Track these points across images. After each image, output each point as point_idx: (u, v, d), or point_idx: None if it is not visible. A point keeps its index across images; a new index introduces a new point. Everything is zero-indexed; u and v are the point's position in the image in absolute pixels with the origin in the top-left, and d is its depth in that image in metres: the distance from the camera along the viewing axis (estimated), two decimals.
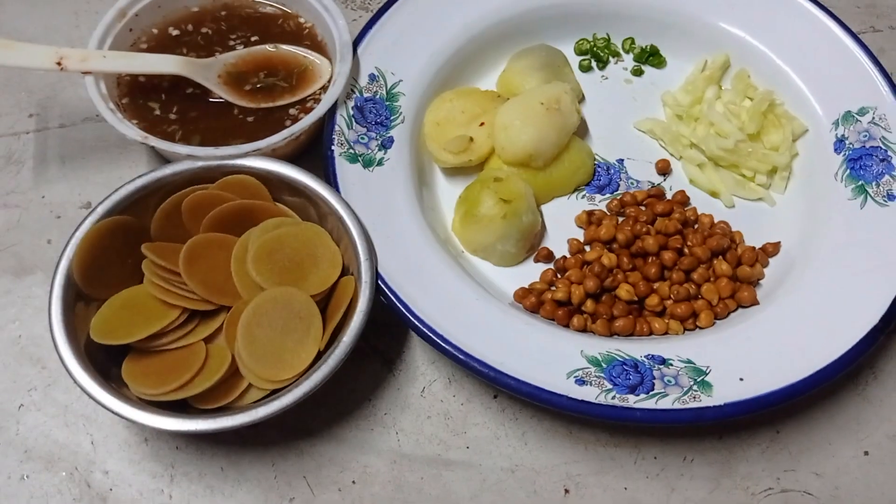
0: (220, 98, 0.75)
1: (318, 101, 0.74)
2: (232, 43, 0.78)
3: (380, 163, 0.73)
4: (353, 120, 0.74)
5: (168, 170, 0.67)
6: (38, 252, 0.74)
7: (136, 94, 0.74)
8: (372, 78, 0.76)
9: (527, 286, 0.72)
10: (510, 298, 0.72)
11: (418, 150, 0.77)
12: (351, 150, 0.73)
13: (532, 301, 0.70)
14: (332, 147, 0.72)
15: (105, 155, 0.79)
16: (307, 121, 0.70)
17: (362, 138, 0.74)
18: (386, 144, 0.74)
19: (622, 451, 0.67)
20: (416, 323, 0.64)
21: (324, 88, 0.76)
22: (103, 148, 0.79)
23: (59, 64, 0.69)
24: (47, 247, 0.74)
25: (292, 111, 0.75)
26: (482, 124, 0.76)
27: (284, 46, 0.78)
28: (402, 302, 0.65)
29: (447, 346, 0.63)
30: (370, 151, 0.73)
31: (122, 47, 0.75)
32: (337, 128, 0.73)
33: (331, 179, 0.71)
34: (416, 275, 0.67)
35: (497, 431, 0.67)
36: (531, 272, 0.74)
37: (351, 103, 0.75)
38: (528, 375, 0.63)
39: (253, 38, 0.78)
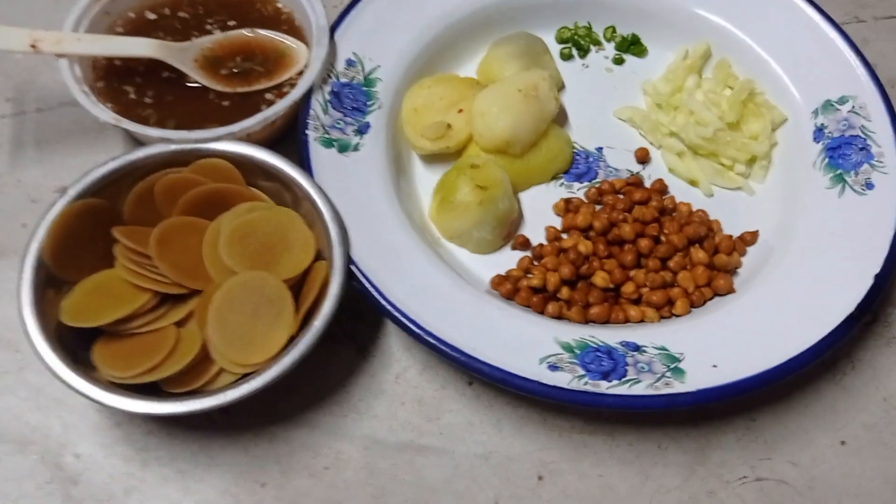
0: (197, 82, 0.74)
1: (294, 85, 0.74)
2: (209, 27, 0.78)
3: (356, 148, 0.73)
4: (329, 105, 0.74)
5: (141, 153, 0.67)
6: (12, 235, 0.74)
7: (112, 78, 0.74)
8: (349, 63, 0.76)
9: (503, 273, 0.72)
10: (487, 285, 0.72)
11: (395, 137, 0.76)
12: (326, 135, 0.72)
13: (508, 288, 0.70)
14: (307, 131, 0.72)
15: (81, 139, 0.79)
16: (282, 105, 0.70)
17: (338, 123, 0.74)
18: (362, 130, 0.74)
19: (596, 438, 0.67)
20: (388, 308, 0.64)
21: (300, 73, 0.75)
22: (79, 132, 0.79)
23: (33, 46, 0.69)
24: (22, 230, 0.74)
25: (268, 96, 0.75)
26: (460, 111, 0.76)
27: (262, 31, 0.78)
28: (375, 287, 0.65)
29: (419, 331, 0.63)
30: (346, 136, 0.73)
31: (98, 31, 0.74)
32: (312, 112, 0.73)
33: (304, 164, 0.70)
34: (391, 261, 0.67)
35: (471, 418, 0.67)
36: (508, 259, 0.74)
37: (327, 88, 0.75)
38: (501, 361, 0.62)
39: (230, 23, 0.78)
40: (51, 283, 0.63)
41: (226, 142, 0.68)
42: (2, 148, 0.78)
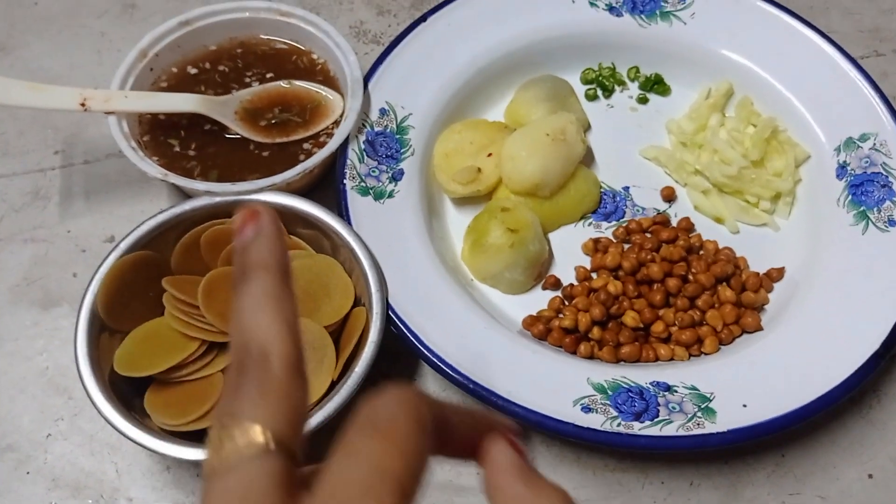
0: (237, 134, 0.77)
1: (330, 135, 0.77)
2: (248, 80, 0.81)
3: (390, 195, 0.75)
4: (364, 154, 0.77)
5: (187, 206, 0.70)
6: (64, 285, 0.77)
7: (157, 132, 0.77)
8: (382, 112, 0.79)
9: (535, 314, 0.74)
10: (519, 326, 0.74)
11: (428, 182, 0.79)
12: (363, 184, 0.75)
13: (540, 329, 0.72)
14: (345, 181, 0.75)
15: (127, 190, 0.82)
16: (321, 155, 0.73)
17: (373, 171, 0.76)
18: (396, 177, 0.76)
19: (629, 476, 0.68)
20: (427, 353, 0.66)
21: (336, 123, 0.78)
22: (126, 183, 0.82)
23: (82, 105, 0.72)
24: (73, 280, 0.77)
25: (306, 146, 0.77)
26: (490, 155, 0.78)
27: (298, 82, 0.80)
28: (413, 333, 0.67)
29: (457, 377, 0.65)
30: (381, 184, 0.76)
31: (143, 86, 0.78)
32: (349, 162, 0.76)
33: (343, 212, 0.73)
34: (426, 305, 0.69)
35: None
36: (539, 300, 0.76)
37: (362, 137, 0.77)
38: (536, 404, 0.64)
39: (268, 75, 0.81)
40: (103, 332, 0.65)
41: (267, 193, 0.70)
42: (52, 199, 0.81)
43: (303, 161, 0.72)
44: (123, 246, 0.67)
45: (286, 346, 0.32)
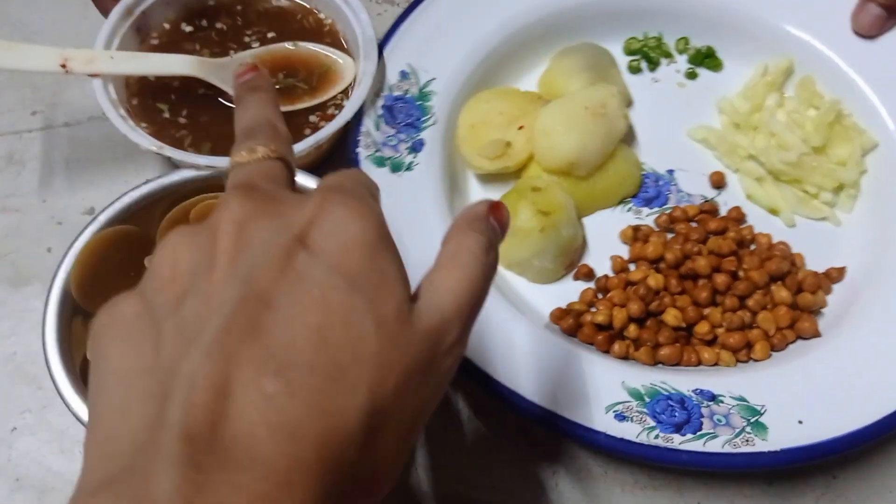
0: None
1: (339, 106, 0.69)
2: (248, 40, 0.72)
3: (409, 167, 0.68)
4: (381, 120, 0.69)
5: (176, 177, 0.62)
6: (37, 261, 0.69)
7: (146, 95, 0.69)
8: (403, 75, 0.71)
9: (564, 306, 0.66)
10: (546, 319, 0.66)
11: (451, 155, 0.71)
12: (378, 153, 0.67)
13: (570, 323, 0.65)
14: (358, 149, 0.67)
15: (111, 157, 0.74)
16: (331, 128, 0.65)
17: (391, 140, 0.68)
18: (416, 147, 0.69)
19: (662, 494, 0.61)
20: None
21: (346, 91, 0.70)
22: (110, 149, 0.74)
23: (63, 66, 0.64)
24: (47, 255, 0.70)
25: (312, 118, 0.69)
26: (521, 128, 0.71)
27: (305, 44, 0.72)
28: None
29: (475, 372, 0.58)
30: (399, 155, 0.68)
31: (131, 45, 0.70)
32: (363, 128, 0.68)
33: None
34: None
35: (525, 469, 0.62)
36: (570, 290, 0.68)
37: (380, 102, 0.70)
38: (565, 408, 0.57)
39: (270, 35, 0.73)
40: (77, 314, 0.58)
41: None
42: (27, 166, 0.74)
43: (308, 136, 0.64)
44: (103, 219, 0.60)
45: (286, 128, 0.44)
